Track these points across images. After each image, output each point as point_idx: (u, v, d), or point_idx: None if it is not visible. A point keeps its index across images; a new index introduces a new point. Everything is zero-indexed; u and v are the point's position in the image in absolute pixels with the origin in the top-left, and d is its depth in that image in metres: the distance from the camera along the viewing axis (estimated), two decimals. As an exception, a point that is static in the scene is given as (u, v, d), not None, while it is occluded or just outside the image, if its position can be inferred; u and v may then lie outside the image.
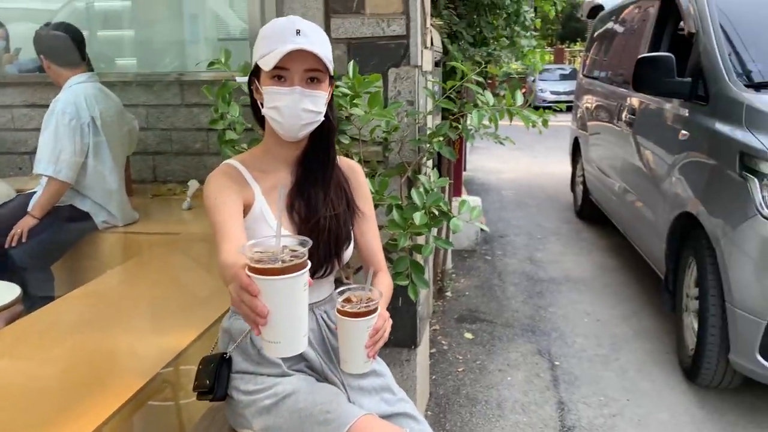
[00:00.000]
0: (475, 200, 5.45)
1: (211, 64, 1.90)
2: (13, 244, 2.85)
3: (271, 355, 1.29)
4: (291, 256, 1.04)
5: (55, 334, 2.24)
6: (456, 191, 5.17)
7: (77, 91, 2.92)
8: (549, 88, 19.15)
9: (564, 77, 19.97)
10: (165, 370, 1.86)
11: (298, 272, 1.02)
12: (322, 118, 1.41)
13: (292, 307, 1.04)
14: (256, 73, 1.42)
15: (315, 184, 1.47)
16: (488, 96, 2.07)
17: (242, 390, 1.45)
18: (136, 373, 1.82)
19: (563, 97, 17.88)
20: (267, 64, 1.34)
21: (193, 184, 3.44)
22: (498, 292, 4.24)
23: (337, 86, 1.96)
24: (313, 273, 1.38)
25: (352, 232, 1.53)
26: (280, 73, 1.36)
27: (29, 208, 2.97)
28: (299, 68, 1.35)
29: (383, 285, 1.54)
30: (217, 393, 1.45)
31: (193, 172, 4.06)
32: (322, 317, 1.52)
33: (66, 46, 3.03)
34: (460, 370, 3.17)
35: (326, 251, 1.46)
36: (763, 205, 2.53)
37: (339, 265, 1.52)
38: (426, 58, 2.43)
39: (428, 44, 2.48)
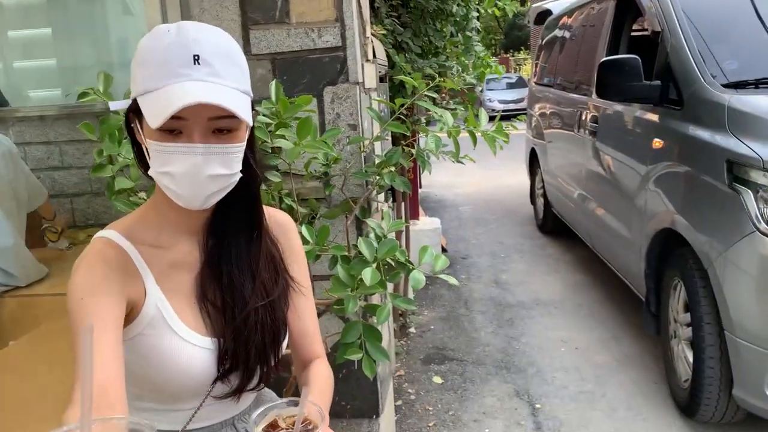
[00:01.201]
0: (434, 221, 5.11)
1: (83, 94, 1.48)
2: None
3: None
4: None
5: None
6: (413, 214, 4.82)
7: None
8: (497, 97, 19.14)
9: (511, 86, 19.99)
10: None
11: None
12: (238, 178, 0.98)
13: None
14: (136, 110, 0.96)
15: (237, 262, 1.05)
16: (447, 117, 1.71)
17: None
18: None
19: (511, 105, 17.88)
20: (151, 117, 0.89)
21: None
22: (465, 324, 3.88)
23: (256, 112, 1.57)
24: (241, 387, 1.05)
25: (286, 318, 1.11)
26: (172, 125, 0.90)
27: None
28: (201, 117, 0.91)
29: (321, 380, 1.13)
30: None
31: (117, 215, 3.61)
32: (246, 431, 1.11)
33: None
34: (431, 425, 2.78)
35: (260, 355, 1.04)
36: (760, 218, 2.23)
37: (276, 369, 1.10)
38: (368, 73, 2.06)
39: (370, 56, 2.11)
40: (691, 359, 2.64)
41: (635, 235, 3.21)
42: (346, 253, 1.58)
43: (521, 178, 6.75)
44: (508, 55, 26.64)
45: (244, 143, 0.98)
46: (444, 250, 5.35)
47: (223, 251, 1.05)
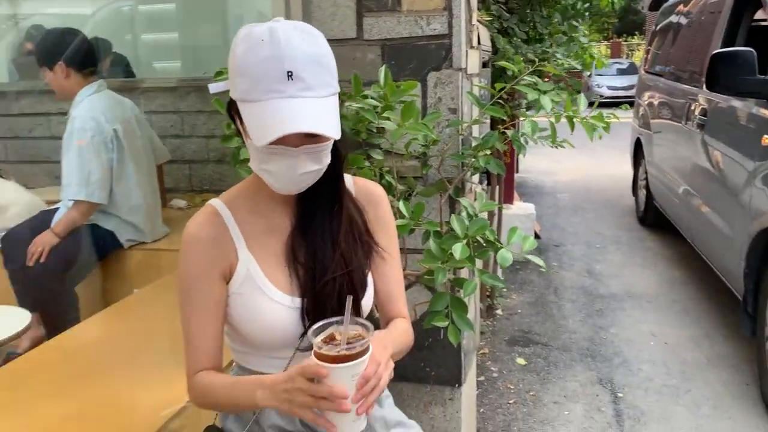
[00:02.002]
0: (528, 207, 5.13)
1: (219, 74, 1.67)
2: (30, 263, 2.69)
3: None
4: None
5: (74, 363, 2.07)
6: (507, 198, 4.85)
7: (93, 104, 2.72)
8: (606, 83, 18.48)
9: (621, 72, 19.24)
10: (177, 418, 1.66)
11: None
12: (327, 162, 1.10)
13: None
14: (234, 103, 1.09)
15: (321, 230, 1.17)
16: (545, 101, 1.78)
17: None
18: (161, 407, 1.63)
19: (621, 93, 17.20)
20: (254, 134, 1.02)
21: (224, 196, 3.24)
22: (554, 310, 3.92)
23: (364, 96, 1.71)
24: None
25: (369, 278, 1.22)
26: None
27: (52, 225, 2.82)
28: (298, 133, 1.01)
29: (397, 327, 1.23)
30: None
31: (231, 181, 3.89)
32: None
33: (89, 52, 2.85)
34: (511, 402, 2.88)
35: (337, 306, 1.14)
36: None
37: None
38: (472, 60, 2.15)
39: (474, 43, 2.20)
40: (785, 363, 2.58)
41: (737, 234, 3.13)
42: (439, 229, 1.70)
43: (625, 168, 6.59)
44: (620, 40, 25.58)
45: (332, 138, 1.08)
46: (537, 236, 5.36)
47: (309, 221, 1.18)
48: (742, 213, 3.08)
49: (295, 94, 1.00)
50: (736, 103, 3.32)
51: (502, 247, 1.60)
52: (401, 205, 1.69)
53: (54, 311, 2.76)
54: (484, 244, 1.65)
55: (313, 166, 1.07)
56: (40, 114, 4.25)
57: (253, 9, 4.81)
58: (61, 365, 2.04)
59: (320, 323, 1.02)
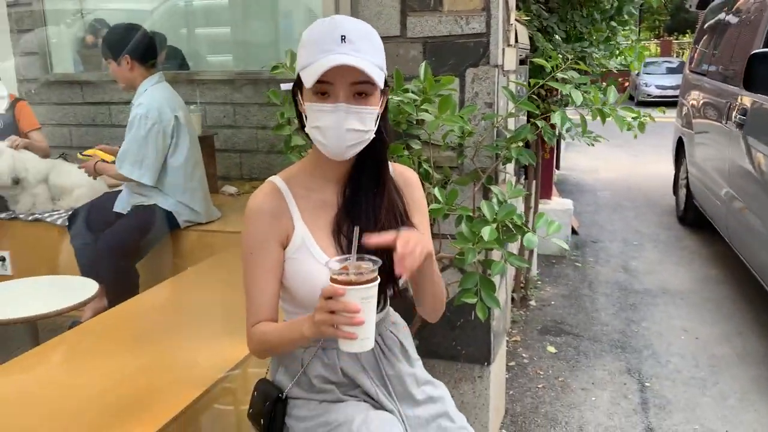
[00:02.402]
0: (566, 203, 5.20)
1: (275, 68, 1.84)
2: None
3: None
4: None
5: (132, 331, 2.28)
6: (545, 193, 4.94)
7: (156, 94, 2.96)
8: (654, 82, 18.17)
9: (671, 71, 18.87)
10: (230, 374, 1.84)
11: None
12: (372, 136, 1.27)
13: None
14: (299, 83, 1.28)
15: (365, 207, 1.33)
16: (576, 95, 1.90)
17: (294, 416, 1.38)
18: (205, 373, 1.81)
19: (669, 92, 16.88)
20: (307, 80, 1.20)
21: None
22: (587, 303, 4.00)
23: (405, 90, 1.86)
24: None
25: None
26: (322, 89, 1.21)
27: (115, 207, 3.07)
28: (344, 82, 1.20)
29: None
30: None
31: (278, 170, 4.09)
32: (376, 341, 1.42)
33: (151, 45, 3.07)
34: (540, 386, 3.00)
35: (382, 279, 1.27)
36: None
37: (396, 292, 1.37)
38: (508, 57, 2.28)
39: (511, 41, 2.33)
40: (811, 357, 2.64)
41: (771, 232, 3.18)
42: (471, 214, 1.84)
43: (668, 168, 6.58)
44: (671, 38, 25.09)
45: (377, 108, 1.26)
46: (574, 232, 5.43)
47: (355, 198, 1.34)
48: (776, 212, 3.13)
49: (347, 52, 1.18)
50: (775, 103, 3.36)
51: (528, 231, 1.74)
52: (437, 191, 1.83)
53: (116, 286, 3.00)
54: (512, 229, 1.78)
55: (357, 125, 1.22)
56: (102, 103, 4.53)
57: (301, 5, 5.00)
58: (121, 330, 2.25)
59: (337, 258, 1.21)
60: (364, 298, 1.14)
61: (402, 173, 1.44)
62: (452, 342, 2.34)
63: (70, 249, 3.13)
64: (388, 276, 1.24)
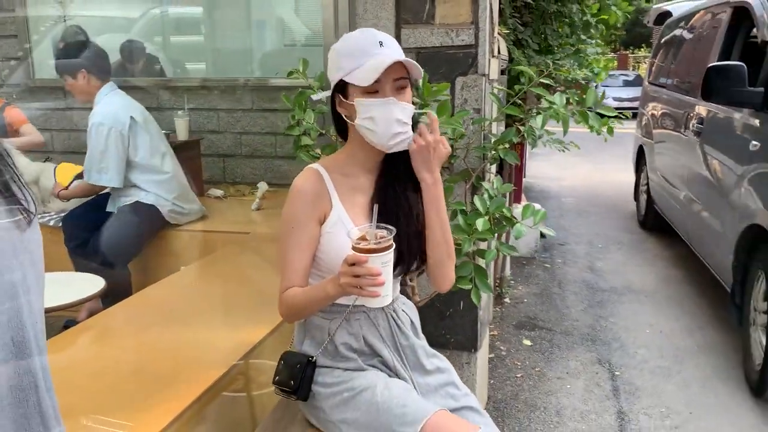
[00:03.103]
0: (534, 206, 5.42)
1: (290, 73, 2.00)
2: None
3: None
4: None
5: (133, 327, 2.38)
6: (516, 198, 5.16)
7: (110, 102, 3.13)
8: (611, 94, 18.71)
9: (627, 83, 19.54)
10: (239, 363, 1.97)
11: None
12: (411, 133, 1.47)
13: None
14: (340, 88, 1.48)
15: (394, 194, 1.53)
16: (556, 98, 2.10)
17: (320, 383, 1.53)
18: (213, 365, 1.93)
19: (626, 104, 17.49)
20: (364, 80, 1.40)
21: (262, 186, 3.57)
22: (557, 301, 4.23)
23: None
24: (396, 271, 1.52)
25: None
26: (373, 87, 1.42)
27: (107, 208, 3.18)
28: (389, 79, 1.42)
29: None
30: (300, 394, 1.52)
31: (261, 175, 4.22)
32: (392, 316, 1.58)
33: (104, 58, 3.22)
34: (518, 375, 3.19)
35: (408, 251, 1.52)
36: (838, 218, 2.47)
37: (421, 262, 1.58)
38: (493, 67, 2.48)
39: (495, 53, 2.52)
40: (765, 343, 2.88)
41: (727, 231, 3.44)
42: (464, 208, 2.01)
43: (627, 176, 6.90)
44: (627, 52, 25.91)
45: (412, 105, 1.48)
46: (542, 235, 5.67)
47: (387, 187, 1.55)
48: (732, 211, 3.39)
49: (389, 54, 1.43)
50: (729, 112, 3.63)
51: (516, 222, 1.92)
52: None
53: (109, 286, 3.09)
54: (502, 221, 1.96)
55: (402, 116, 1.44)
56: (85, 108, 4.57)
57: (273, 15, 5.16)
58: (119, 330, 2.34)
59: (357, 227, 1.41)
60: (384, 262, 1.34)
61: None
62: (442, 331, 2.51)
63: (63, 250, 3.21)
64: (410, 253, 1.49)
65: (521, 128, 2.24)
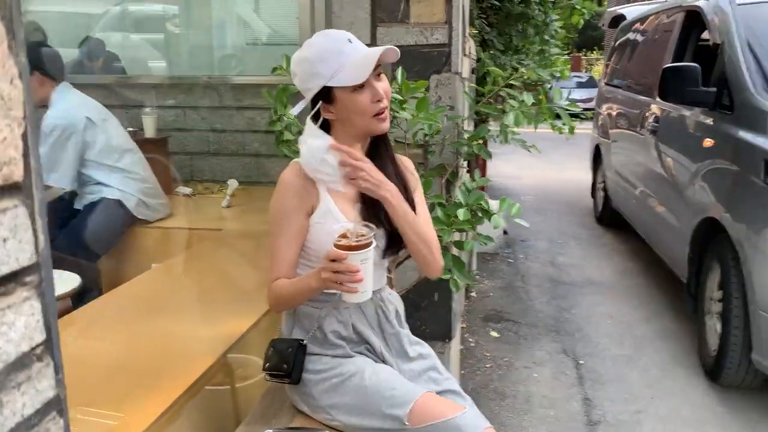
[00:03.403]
0: (496, 203, 5.55)
1: (275, 69, 2.04)
2: None
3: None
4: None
5: (108, 326, 2.36)
6: (480, 195, 5.28)
7: (65, 101, 3.09)
8: (565, 95, 19.16)
9: (581, 85, 19.99)
10: (224, 356, 2.00)
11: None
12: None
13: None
14: (323, 93, 1.49)
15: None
16: (526, 97, 2.19)
17: (309, 370, 1.58)
18: (197, 359, 1.96)
19: (580, 105, 17.86)
20: (356, 78, 1.45)
21: (232, 184, 3.58)
22: (522, 294, 4.35)
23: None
24: (383, 255, 1.61)
25: None
26: (361, 82, 1.48)
27: (75, 205, 3.17)
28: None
29: (434, 234, 1.66)
30: (294, 377, 1.57)
31: (229, 173, 4.22)
32: (380, 304, 1.64)
33: (57, 58, 3.20)
34: (488, 366, 3.29)
35: (391, 234, 1.58)
36: (786, 210, 2.63)
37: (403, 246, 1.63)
38: (465, 65, 2.56)
39: (467, 52, 2.61)
40: (719, 330, 3.04)
41: (683, 225, 3.61)
42: (443, 201, 2.09)
43: (583, 174, 7.10)
44: (580, 54, 26.52)
45: None
46: (505, 232, 5.80)
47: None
48: (686, 207, 3.55)
49: (358, 47, 1.48)
50: (683, 111, 3.81)
51: (494, 214, 2.01)
52: (412, 181, 2.07)
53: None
54: (480, 213, 2.04)
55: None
56: (42, 106, 4.50)
57: (234, 14, 5.17)
58: (93, 329, 2.33)
59: (340, 224, 1.46)
60: (363, 260, 1.39)
61: (400, 159, 1.70)
62: (417, 322, 2.58)
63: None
64: (394, 236, 1.56)
65: (490, 127, 2.33)
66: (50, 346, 0.51)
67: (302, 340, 1.59)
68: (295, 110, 1.66)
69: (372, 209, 1.56)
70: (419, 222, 1.59)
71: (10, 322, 0.46)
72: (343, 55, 1.45)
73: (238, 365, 2.14)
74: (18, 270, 0.46)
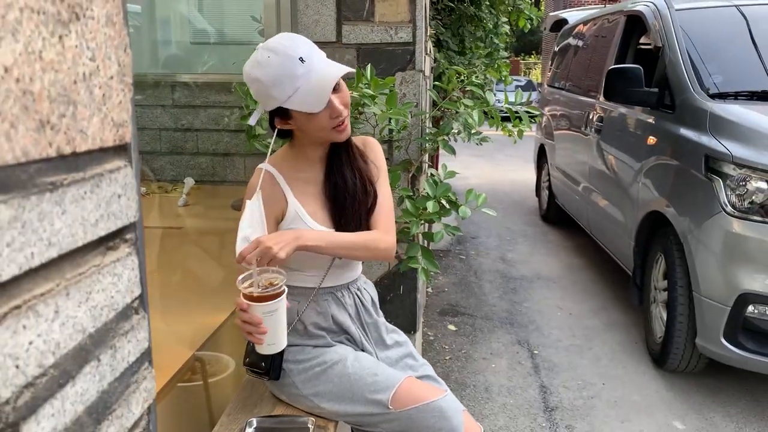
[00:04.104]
0: (448, 203, 5.67)
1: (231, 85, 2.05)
2: None
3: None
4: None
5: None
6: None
7: None
8: (509, 98, 19.61)
9: (520, 89, 20.49)
10: (198, 351, 2.00)
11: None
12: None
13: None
14: (279, 111, 1.48)
15: (342, 181, 1.60)
16: (489, 96, 2.28)
17: (291, 360, 1.60)
18: (172, 355, 1.95)
19: (518, 108, 18.32)
20: (314, 106, 1.42)
21: (189, 182, 3.55)
22: (475, 289, 4.46)
23: (357, 87, 2.13)
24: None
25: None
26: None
27: None
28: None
29: (366, 233, 1.60)
30: (272, 375, 1.59)
31: (183, 172, 4.17)
32: (357, 294, 1.68)
33: None
34: (447, 358, 3.37)
35: (356, 225, 1.60)
36: (726, 202, 2.80)
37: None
38: (427, 64, 2.63)
39: (429, 51, 2.68)
40: (665, 318, 3.21)
41: (628, 219, 3.78)
42: (411, 194, 2.15)
43: (525, 174, 7.32)
44: (518, 59, 27.16)
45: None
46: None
47: (334, 175, 1.61)
48: (631, 202, 3.73)
49: (315, 64, 1.43)
50: (627, 110, 3.99)
51: (461, 205, 2.08)
52: (382, 175, 2.12)
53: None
54: (448, 205, 2.11)
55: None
56: None
57: (177, 13, 5.11)
58: None
59: (243, 274, 1.37)
60: (266, 312, 1.32)
61: (361, 139, 1.72)
62: (384, 314, 2.63)
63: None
64: (358, 226, 1.60)
65: (456, 122, 2.40)
66: (144, 300, 0.53)
67: None
68: (252, 120, 1.60)
69: (341, 209, 1.59)
70: (346, 239, 1.55)
71: (120, 273, 0.48)
72: (297, 79, 1.40)
73: (209, 362, 2.14)
74: (125, 226, 0.48)
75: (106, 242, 0.47)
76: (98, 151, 0.44)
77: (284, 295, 1.33)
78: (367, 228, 1.63)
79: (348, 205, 1.59)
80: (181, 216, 3.43)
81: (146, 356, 0.54)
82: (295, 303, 1.61)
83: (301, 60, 1.40)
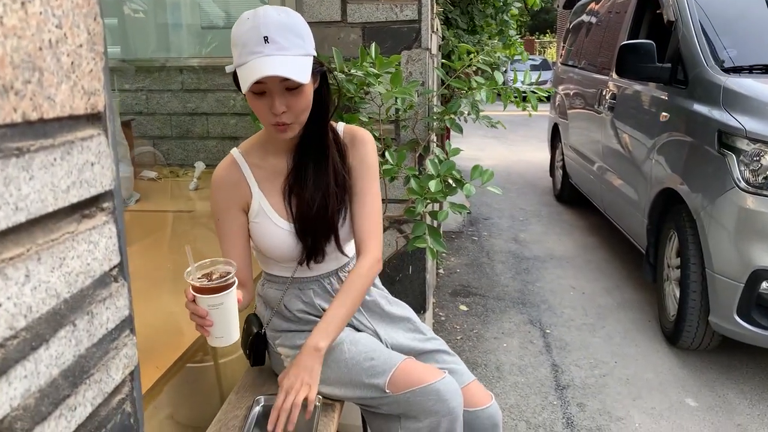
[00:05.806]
0: (460, 184, 5.65)
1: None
2: None
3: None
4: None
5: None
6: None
7: None
8: (520, 78, 19.45)
9: (534, 68, 20.31)
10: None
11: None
12: (305, 118, 1.44)
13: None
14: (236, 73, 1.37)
15: (312, 173, 1.51)
16: (498, 76, 2.26)
17: (288, 345, 1.61)
18: (179, 338, 1.97)
19: (533, 87, 18.16)
20: (242, 84, 1.32)
21: (199, 166, 3.57)
22: (487, 269, 4.45)
23: (348, 73, 2.12)
24: (309, 258, 1.55)
25: (348, 210, 1.57)
26: (257, 88, 1.35)
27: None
28: (275, 82, 1.34)
29: (348, 280, 1.51)
30: (252, 362, 1.62)
31: (194, 156, 4.20)
32: (328, 286, 1.65)
33: None
34: (458, 338, 3.37)
35: (320, 234, 1.53)
36: (739, 178, 2.77)
37: (337, 245, 1.57)
38: (434, 42, 2.60)
39: (435, 29, 2.65)
40: (678, 295, 3.19)
41: (641, 197, 3.75)
42: (416, 173, 2.14)
43: (540, 155, 7.25)
44: (533, 38, 26.87)
45: (310, 92, 1.41)
46: (468, 212, 5.90)
47: (302, 166, 1.52)
48: (644, 179, 3.69)
49: (272, 53, 1.30)
50: (639, 87, 3.94)
51: (466, 183, 2.06)
52: (388, 154, 2.12)
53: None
54: (453, 183, 2.10)
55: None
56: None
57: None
58: None
59: (195, 264, 1.33)
60: (211, 305, 1.28)
61: (351, 132, 1.60)
62: (393, 295, 2.63)
63: None
64: (323, 236, 1.53)
65: (462, 100, 2.38)
66: (123, 269, 0.54)
67: (261, 330, 1.62)
68: (228, 68, 1.43)
69: (300, 209, 1.52)
70: (348, 307, 1.48)
71: (96, 241, 0.49)
72: (250, 53, 1.31)
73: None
74: (100, 194, 0.49)
75: (81, 210, 0.47)
76: (68, 119, 0.44)
77: (233, 289, 1.29)
78: (336, 232, 1.54)
79: (306, 207, 1.50)
80: (192, 200, 3.46)
81: (127, 324, 0.54)
82: (279, 292, 1.62)
83: (265, 39, 1.30)
